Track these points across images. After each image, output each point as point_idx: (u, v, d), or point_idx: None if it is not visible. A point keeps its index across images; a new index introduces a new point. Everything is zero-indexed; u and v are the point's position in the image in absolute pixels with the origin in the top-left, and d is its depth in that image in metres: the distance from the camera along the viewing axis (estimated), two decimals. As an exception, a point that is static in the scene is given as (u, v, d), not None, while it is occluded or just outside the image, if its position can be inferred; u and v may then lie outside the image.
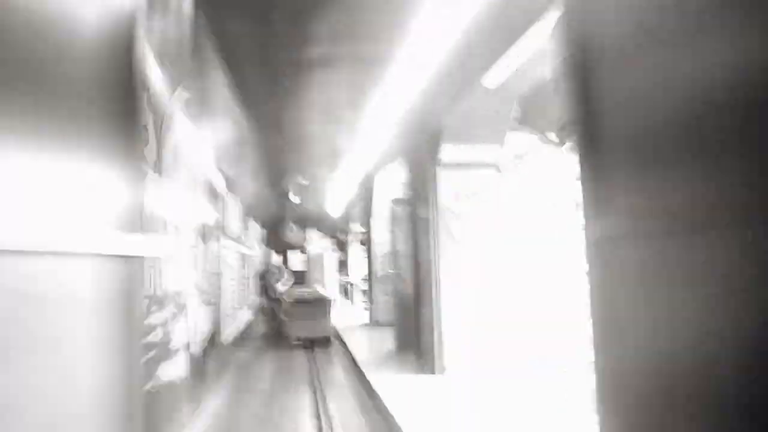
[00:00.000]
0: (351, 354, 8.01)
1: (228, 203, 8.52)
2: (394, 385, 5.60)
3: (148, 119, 4.00)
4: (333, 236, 17.46)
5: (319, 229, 17.43)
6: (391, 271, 11.07)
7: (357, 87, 6.12)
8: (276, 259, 9.80)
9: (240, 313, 9.92)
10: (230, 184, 8.38)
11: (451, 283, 6.09)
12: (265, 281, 9.77)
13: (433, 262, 6.12)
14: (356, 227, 16.29)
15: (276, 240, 16.13)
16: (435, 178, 6.22)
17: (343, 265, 17.51)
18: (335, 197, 13.86)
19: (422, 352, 6.79)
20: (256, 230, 13.11)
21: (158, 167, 4.30)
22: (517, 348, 6.72)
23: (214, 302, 6.83)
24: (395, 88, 5.94)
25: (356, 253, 16.46)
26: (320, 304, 9.89)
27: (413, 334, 7.25)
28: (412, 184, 7.25)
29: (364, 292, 14.99)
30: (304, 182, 10.53)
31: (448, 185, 6.22)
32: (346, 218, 16.41)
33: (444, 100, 5.67)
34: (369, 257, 12.26)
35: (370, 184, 11.10)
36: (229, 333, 8.15)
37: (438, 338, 6.04)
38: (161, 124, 4.28)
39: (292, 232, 13.18)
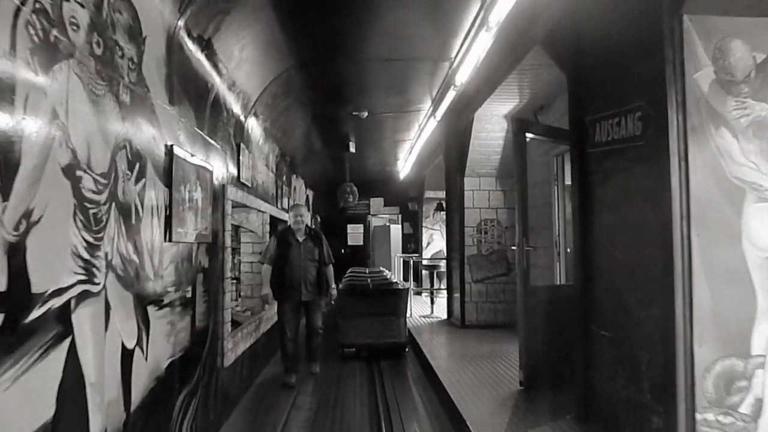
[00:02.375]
0: (446, 391, 4.65)
1: (250, 136, 5.29)
2: None
3: None
4: (399, 204, 14.08)
5: (382, 195, 14.11)
6: (501, 244, 7.59)
7: None
8: (300, 218, 5.31)
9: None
10: (254, 108, 5.13)
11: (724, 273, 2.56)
12: (278, 260, 5.28)
13: (677, 223, 2.59)
14: (430, 192, 12.83)
15: (328, 206, 12.99)
16: (677, 36, 2.65)
17: (410, 240, 14.15)
18: (406, 150, 10.43)
19: (606, 422, 3.30)
20: (301, 191, 9.90)
21: None
22: None
23: (202, 297, 3.63)
24: None
25: (431, 225, 13.03)
26: (390, 296, 6.57)
27: (575, 370, 3.80)
28: (582, 78, 3.69)
29: (437, 275, 11.58)
30: (363, 114, 7.12)
31: (711, 52, 2.65)
32: (419, 180, 12.96)
33: None
34: (451, 229, 8.81)
35: (464, 122, 7.58)
36: (244, 343, 4.98)
37: (688, 412, 2.54)
38: None
39: (349, 196, 9.77)
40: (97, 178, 2.23)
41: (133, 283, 2.58)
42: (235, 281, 6.72)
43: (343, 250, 13.88)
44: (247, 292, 6.10)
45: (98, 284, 2.23)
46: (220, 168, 4.22)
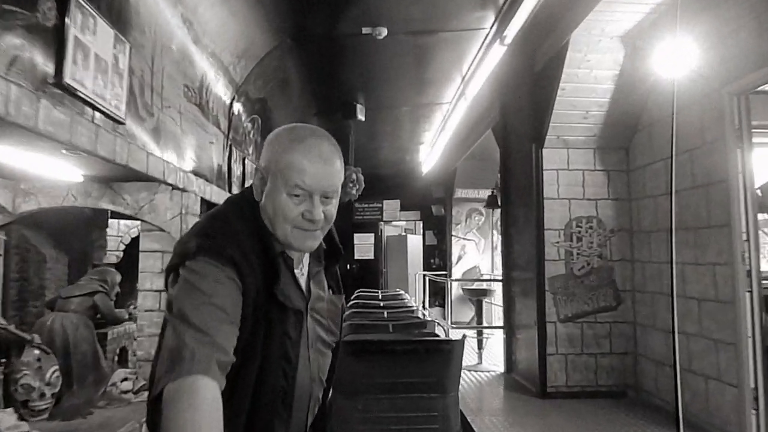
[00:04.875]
0: None
1: (130, 12, 2.28)
2: None
3: None
4: (420, 207, 11.04)
5: (398, 196, 11.09)
6: (604, 258, 4.27)
7: None
8: (330, 201, 1.20)
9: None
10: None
11: None
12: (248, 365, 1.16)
13: None
14: (463, 191, 9.80)
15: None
16: None
17: (433, 254, 11.07)
18: (435, 126, 7.45)
19: None
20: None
21: None
22: None
23: None
24: None
25: (463, 234, 9.97)
26: (431, 355, 3.48)
27: None
28: None
29: (476, 302, 8.47)
30: (379, 33, 4.12)
31: None
32: (447, 174, 9.94)
33: None
34: (511, 234, 5.78)
35: (546, 56, 4.60)
36: None
37: None
38: None
39: (353, 187, 6.63)
40: None
41: None
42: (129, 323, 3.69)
43: (348, 266, 10.89)
44: (149, 350, 3.08)
45: None
46: None
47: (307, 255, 1.26)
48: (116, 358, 3.47)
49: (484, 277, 9.55)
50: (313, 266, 1.29)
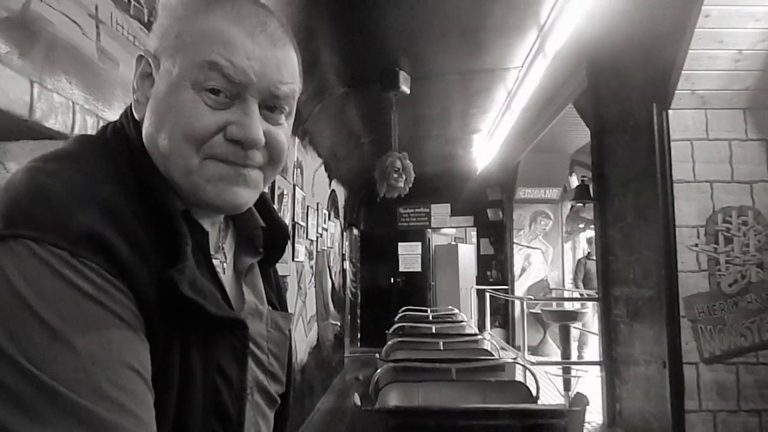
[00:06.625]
0: None
1: None
2: None
3: None
4: (473, 212, 9.57)
5: (447, 200, 9.65)
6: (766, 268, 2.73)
7: None
8: None
9: None
10: None
11: None
12: None
13: None
14: (526, 190, 8.29)
15: (370, 213, 8.89)
16: None
17: (490, 265, 9.56)
18: (499, 103, 6.04)
19: None
20: (315, 178, 5.72)
21: None
22: None
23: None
24: None
25: (527, 242, 8.42)
26: (534, 430, 2.08)
27: None
28: None
29: (562, 329, 6.94)
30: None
31: None
32: (507, 171, 8.45)
33: None
34: (610, 235, 4.30)
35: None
36: None
37: None
38: None
39: (399, 177, 5.27)
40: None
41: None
42: None
43: (393, 280, 9.60)
44: None
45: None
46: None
47: (229, 235, 0.66)
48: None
49: (553, 294, 8.01)
50: (243, 257, 0.67)
